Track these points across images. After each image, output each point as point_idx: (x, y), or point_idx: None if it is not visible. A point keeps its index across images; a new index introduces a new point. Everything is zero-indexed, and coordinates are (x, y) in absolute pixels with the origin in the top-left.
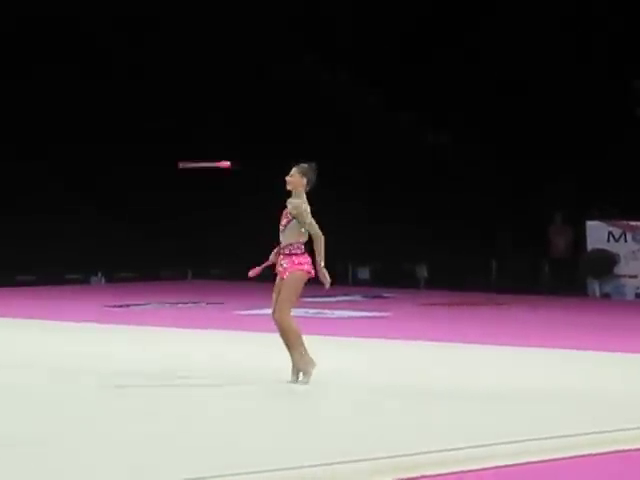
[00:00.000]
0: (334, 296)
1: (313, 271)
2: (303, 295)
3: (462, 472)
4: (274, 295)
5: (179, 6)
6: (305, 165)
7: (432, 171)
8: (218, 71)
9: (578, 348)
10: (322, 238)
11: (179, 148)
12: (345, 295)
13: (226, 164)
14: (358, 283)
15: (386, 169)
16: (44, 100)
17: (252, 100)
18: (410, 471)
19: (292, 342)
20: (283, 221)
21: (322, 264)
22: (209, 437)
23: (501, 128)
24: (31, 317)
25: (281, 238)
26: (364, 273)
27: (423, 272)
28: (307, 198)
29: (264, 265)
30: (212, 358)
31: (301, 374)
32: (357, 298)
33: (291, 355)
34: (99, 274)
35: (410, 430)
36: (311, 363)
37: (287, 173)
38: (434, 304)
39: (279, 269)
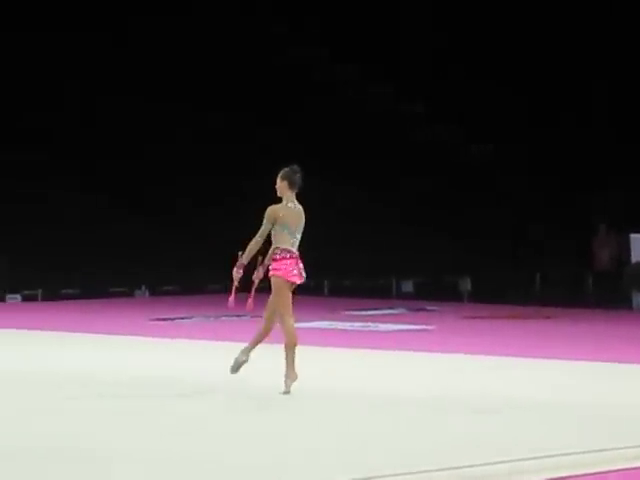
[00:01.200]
0: (378, 309)
1: (293, 276)
2: (348, 308)
3: None
4: None
5: None
6: (285, 169)
7: (476, 185)
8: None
9: (622, 361)
10: (256, 241)
11: (227, 159)
12: (389, 308)
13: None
14: (402, 296)
15: (431, 183)
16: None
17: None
18: None
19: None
20: None
21: (244, 261)
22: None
23: (545, 140)
24: (77, 330)
25: None
26: (408, 286)
27: (467, 285)
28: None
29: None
30: (257, 372)
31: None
32: (401, 311)
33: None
34: (143, 287)
35: (463, 443)
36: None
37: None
38: (478, 317)
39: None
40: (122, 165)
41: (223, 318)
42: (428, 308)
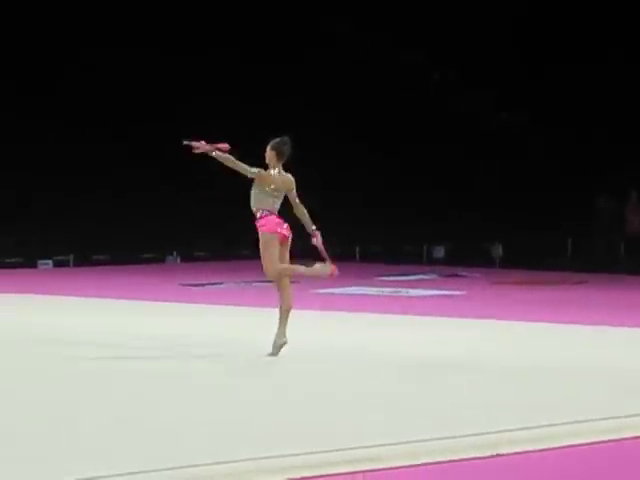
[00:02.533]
0: (410, 275)
1: (282, 229)
2: (379, 274)
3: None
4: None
5: None
6: (276, 139)
7: (508, 152)
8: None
9: None
10: (234, 163)
11: (255, 126)
12: (420, 274)
13: (225, 146)
14: (433, 262)
15: (462, 150)
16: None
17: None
18: (483, 450)
19: (294, 271)
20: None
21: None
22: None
23: (578, 109)
24: (108, 296)
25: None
26: (439, 252)
27: (498, 251)
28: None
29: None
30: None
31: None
32: (432, 277)
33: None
34: (174, 253)
35: (484, 407)
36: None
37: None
38: (509, 283)
39: None
40: (154, 130)
41: (254, 284)
42: (459, 274)
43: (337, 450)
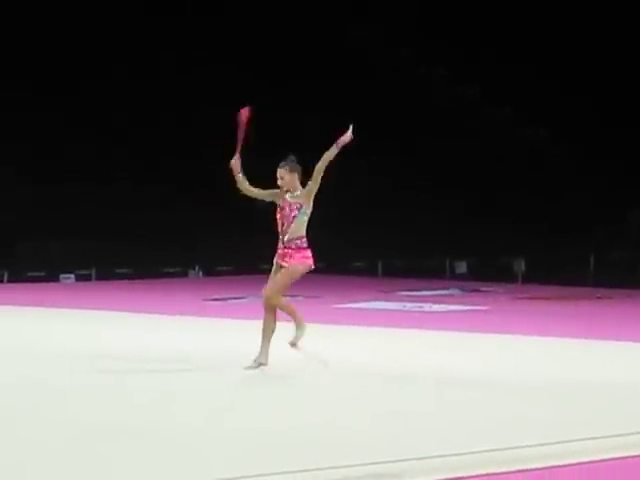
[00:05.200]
0: (432, 290)
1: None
2: (400, 289)
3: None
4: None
5: None
6: (291, 161)
7: (529, 165)
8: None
9: None
10: (243, 185)
11: (282, 141)
12: (443, 289)
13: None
14: (456, 277)
15: (483, 165)
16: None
17: None
18: (507, 465)
19: (290, 313)
20: (288, 217)
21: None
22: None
23: (597, 123)
24: (130, 310)
25: (284, 234)
26: (462, 267)
27: (521, 266)
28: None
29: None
30: (315, 351)
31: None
32: (455, 292)
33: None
34: (197, 267)
35: (503, 423)
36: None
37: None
38: (532, 298)
39: (285, 261)
40: (178, 144)
41: None
42: (482, 289)
43: (356, 465)
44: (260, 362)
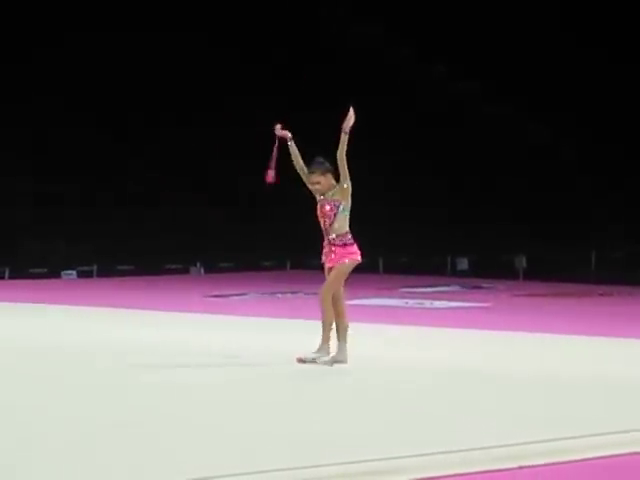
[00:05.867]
0: (434, 287)
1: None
2: (402, 286)
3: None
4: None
5: None
6: (319, 163)
7: (530, 162)
8: None
9: None
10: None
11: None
12: (444, 286)
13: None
14: (457, 274)
15: (486, 161)
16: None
17: None
18: (506, 462)
19: (323, 321)
20: (329, 215)
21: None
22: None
23: (602, 122)
24: (132, 307)
25: (328, 232)
26: (463, 264)
27: (522, 263)
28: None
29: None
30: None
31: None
32: (456, 289)
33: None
34: (198, 264)
35: (508, 418)
36: (325, 352)
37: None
38: (533, 295)
39: (331, 258)
40: (179, 141)
41: (278, 295)
42: (483, 286)
43: (349, 463)
44: (338, 360)
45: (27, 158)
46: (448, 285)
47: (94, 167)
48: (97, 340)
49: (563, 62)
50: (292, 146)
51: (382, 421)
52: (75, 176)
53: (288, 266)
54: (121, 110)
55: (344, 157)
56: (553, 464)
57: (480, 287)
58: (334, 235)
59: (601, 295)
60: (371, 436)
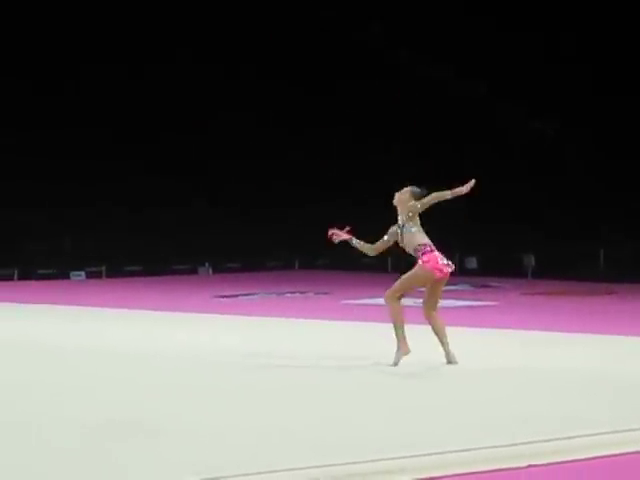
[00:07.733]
0: None
1: (440, 269)
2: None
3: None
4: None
5: None
6: (411, 190)
7: (539, 161)
8: None
9: None
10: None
11: (284, 141)
12: (453, 284)
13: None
14: (466, 272)
15: (494, 160)
16: (155, 94)
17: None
18: (515, 461)
19: (395, 317)
20: (400, 234)
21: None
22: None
23: (607, 123)
24: (141, 307)
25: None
26: (472, 262)
27: (531, 261)
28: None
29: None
30: (321, 347)
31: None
32: (465, 287)
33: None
34: (207, 264)
35: (518, 417)
36: (403, 349)
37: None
38: (541, 293)
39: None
40: (186, 143)
41: (287, 295)
42: (492, 284)
43: (370, 461)
44: (450, 361)
45: (36, 161)
46: (457, 284)
47: (104, 172)
48: (101, 341)
49: None
50: (355, 244)
51: (382, 421)
52: (84, 180)
53: (296, 266)
54: (126, 110)
55: (429, 205)
56: (562, 463)
57: (489, 286)
58: (408, 250)
59: (609, 293)
60: (373, 436)
